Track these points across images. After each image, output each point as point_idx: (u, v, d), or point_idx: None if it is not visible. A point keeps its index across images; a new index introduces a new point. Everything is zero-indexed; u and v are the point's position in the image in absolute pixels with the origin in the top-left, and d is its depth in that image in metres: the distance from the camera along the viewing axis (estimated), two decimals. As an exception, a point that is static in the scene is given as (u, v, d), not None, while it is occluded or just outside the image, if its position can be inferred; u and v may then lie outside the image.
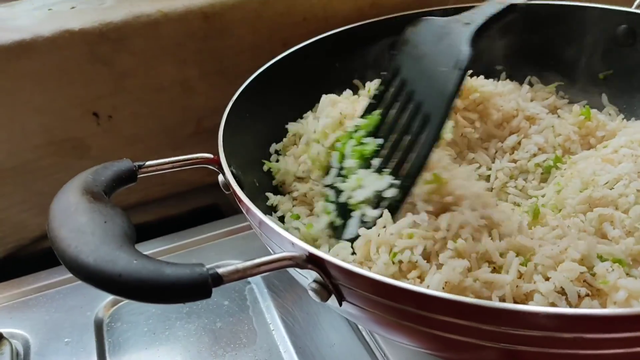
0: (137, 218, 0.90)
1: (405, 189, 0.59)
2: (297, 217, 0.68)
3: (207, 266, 0.43)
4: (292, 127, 0.78)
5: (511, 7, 0.65)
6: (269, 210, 0.70)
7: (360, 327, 0.69)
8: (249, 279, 0.78)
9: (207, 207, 0.94)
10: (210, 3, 0.84)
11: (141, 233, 0.83)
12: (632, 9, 0.83)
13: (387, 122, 0.67)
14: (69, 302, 0.77)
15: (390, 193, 0.60)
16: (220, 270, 0.43)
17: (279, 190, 0.75)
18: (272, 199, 0.71)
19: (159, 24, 0.82)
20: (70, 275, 0.77)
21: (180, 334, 0.72)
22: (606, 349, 0.45)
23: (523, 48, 0.89)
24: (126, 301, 0.77)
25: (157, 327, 0.73)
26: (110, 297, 0.77)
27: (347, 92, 0.81)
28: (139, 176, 0.57)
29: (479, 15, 0.66)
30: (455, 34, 0.64)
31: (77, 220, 0.46)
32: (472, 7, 0.74)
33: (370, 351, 0.66)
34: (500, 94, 0.77)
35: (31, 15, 0.83)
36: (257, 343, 0.70)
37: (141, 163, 0.57)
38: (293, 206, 0.71)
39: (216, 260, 0.80)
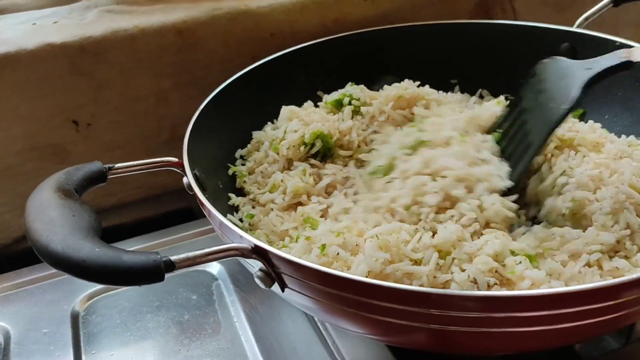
0: (114, 220, 0.97)
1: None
2: (251, 217, 0.74)
3: (162, 254, 0.49)
4: (256, 134, 0.85)
5: (628, 64, 0.68)
6: (231, 210, 0.77)
7: (315, 319, 0.75)
8: (217, 275, 0.84)
9: (180, 210, 1.00)
10: (183, 20, 0.90)
11: (118, 234, 0.90)
12: (573, 29, 0.90)
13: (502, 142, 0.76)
14: (47, 296, 0.83)
15: None
16: (172, 258, 0.49)
17: (242, 192, 0.81)
18: (234, 199, 0.77)
19: (136, 39, 0.88)
20: (49, 272, 0.85)
21: (150, 326, 0.77)
22: (517, 327, 0.51)
23: (475, 64, 0.96)
24: (101, 296, 0.82)
25: (129, 319, 0.79)
26: (86, 292, 0.82)
27: (308, 103, 0.88)
28: (109, 177, 0.63)
29: (598, 64, 0.70)
30: (574, 77, 0.70)
31: (49, 214, 0.52)
32: (449, 24, 0.82)
33: (323, 339, 0.72)
34: (447, 102, 0.84)
35: (16, 29, 0.89)
36: (221, 333, 0.76)
37: (111, 165, 0.63)
38: (252, 207, 0.77)
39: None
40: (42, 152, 0.88)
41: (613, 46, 0.83)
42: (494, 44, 0.95)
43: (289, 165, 0.81)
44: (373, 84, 0.91)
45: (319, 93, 0.93)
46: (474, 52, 0.96)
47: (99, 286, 0.83)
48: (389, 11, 1.01)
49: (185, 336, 0.75)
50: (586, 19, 0.89)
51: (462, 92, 0.95)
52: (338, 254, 0.59)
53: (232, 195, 0.78)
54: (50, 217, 0.51)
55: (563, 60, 0.74)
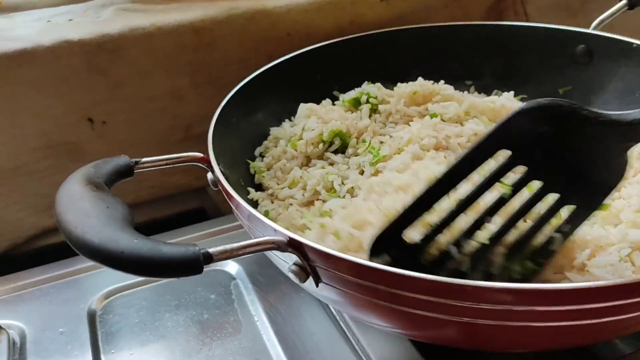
0: (128, 219, 0.96)
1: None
2: (267, 214, 0.74)
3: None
4: (273, 131, 0.85)
5: None
6: (252, 204, 0.76)
7: (337, 317, 0.75)
8: (234, 275, 0.84)
9: (194, 210, 0.99)
10: (200, 18, 0.90)
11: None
12: (590, 30, 0.91)
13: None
14: (62, 295, 0.82)
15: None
16: (210, 250, 0.48)
17: (261, 188, 0.81)
18: (253, 194, 0.77)
19: (153, 37, 0.88)
20: (64, 270, 0.84)
21: (169, 325, 0.76)
22: (552, 322, 0.51)
23: (490, 65, 0.96)
24: (118, 295, 0.81)
25: (147, 318, 0.78)
26: (102, 291, 0.81)
27: (326, 101, 0.88)
28: (135, 171, 0.63)
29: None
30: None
31: (82, 206, 0.51)
32: (464, 25, 0.83)
33: (346, 338, 0.72)
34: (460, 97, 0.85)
35: (31, 26, 0.89)
36: (242, 332, 0.75)
37: (137, 159, 0.63)
38: (271, 202, 0.77)
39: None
40: (57, 150, 0.88)
41: (630, 48, 0.84)
42: (508, 45, 0.96)
43: (307, 161, 0.81)
44: (389, 84, 0.92)
45: (335, 93, 0.93)
46: (488, 53, 0.96)
47: (116, 285, 0.82)
48: (404, 13, 1.01)
49: (206, 335, 0.74)
50: (602, 21, 0.90)
51: (477, 92, 0.96)
52: (352, 234, 0.60)
53: (251, 189, 0.78)
54: (84, 209, 0.51)
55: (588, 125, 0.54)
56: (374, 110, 0.86)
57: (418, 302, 0.51)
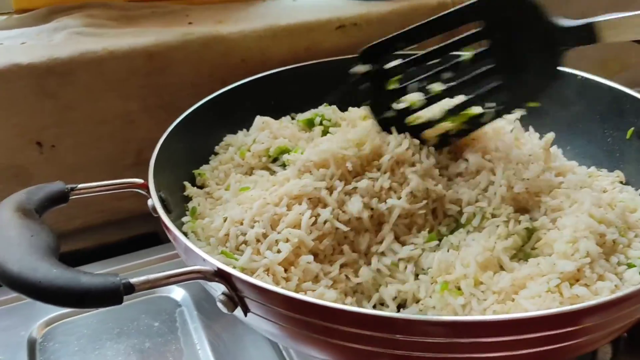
0: (76, 244, 0.95)
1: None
2: (194, 212, 0.74)
3: (121, 277, 0.48)
4: (227, 137, 0.87)
5: None
6: (186, 200, 0.77)
7: (281, 347, 0.74)
8: (180, 301, 0.83)
9: (146, 235, 0.98)
10: (154, 43, 0.90)
11: (81, 259, 0.87)
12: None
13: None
14: (3, 322, 0.80)
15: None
16: (132, 280, 0.48)
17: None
18: (190, 189, 0.77)
19: (104, 61, 0.87)
20: (4, 297, 0.82)
21: (109, 354, 0.75)
22: (481, 353, 0.51)
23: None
24: (59, 322, 0.80)
25: (88, 347, 0.76)
26: (43, 319, 0.80)
27: (286, 118, 0.90)
28: (71, 197, 0.62)
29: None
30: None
31: (7, 234, 0.51)
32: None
33: (287, 368, 0.71)
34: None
35: (-18, 49, 0.88)
36: (182, 361, 0.74)
37: (74, 185, 0.62)
38: (205, 199, 0.77)
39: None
40: (4, 174, 0.86)
41: (575, 80, 0.86)
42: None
43: (251, 171, 0.82)
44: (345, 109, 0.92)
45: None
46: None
47: (57, 312, 0.80)
48: (359, 41, 1.01)
49: (145, 364, 0.73)
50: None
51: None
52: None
53: (187, 184, 0.78)
54: (8, 237, 0.50)
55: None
56: (325, 133, 0.86)
57: (350, 335, 0.51)
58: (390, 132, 0.75)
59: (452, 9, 0.72)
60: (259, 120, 0.87)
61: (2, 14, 1.01)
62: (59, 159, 0.89)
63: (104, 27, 0.94)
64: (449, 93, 0.75)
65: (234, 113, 0.88)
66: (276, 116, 0.91)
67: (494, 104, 0.74)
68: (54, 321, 0.80)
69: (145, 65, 0.90)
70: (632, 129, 0.80)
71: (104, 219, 0.95)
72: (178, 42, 0.92)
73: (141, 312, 0.81)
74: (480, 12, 0.70)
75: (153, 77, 0.91)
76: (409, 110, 0.76)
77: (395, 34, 0.74)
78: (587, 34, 0.66)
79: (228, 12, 1.03)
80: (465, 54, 0.72)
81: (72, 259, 0.57)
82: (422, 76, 0.75)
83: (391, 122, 0.75)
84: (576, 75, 0.86)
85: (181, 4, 1.06)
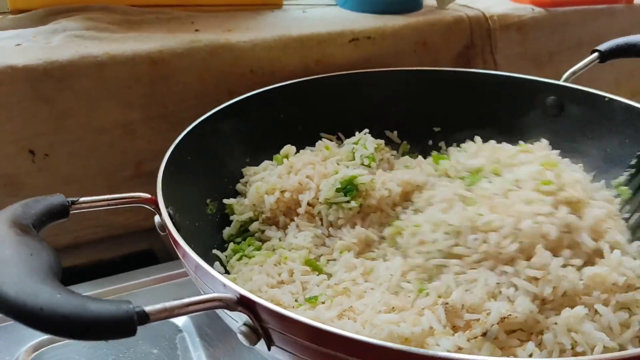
0: (67, 261, 0.88)
1: None
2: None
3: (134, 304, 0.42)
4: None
5: None
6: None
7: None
8: (181, 327, 0.76)
9: (142, 253, 0.92)
10: (158, 50, 0.85)
11: (72, 276, 0.81)
12: (561, 82, 0.89)
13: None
14: (-14, 346, 0.73)
15: None
16: (147, 308, 0.42)
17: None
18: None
19: (105, 66, 0.82)
20: (-10, 320, 0.75)
21: (103, 383, 0.69)
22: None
23: (459, 112, 0.93)
24: (48, 347, 0.73)
25: (80, 375, 0.70)
26: (31, 343, 0.73)
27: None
28: (71, 212, 0.56)
29: None
30: None
31: (3, 252, 0.44)
32: (432, 71, 0.79)
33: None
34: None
35: (-26, 50, 0.82)
36: (184, 393, 0.68)
37: (75, 199, 0.56)
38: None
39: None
40: (-8, 183, 0.80)
41: (602, 102, 0.82)
42: (478, 93, 0.93)
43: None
44: (352, 129, 0.88)
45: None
46: (457, 100, 0.93)
47: (46, 336, 0.73)
48: (372, 55, 0.98)
49: (143, 396, 0.67)
50: (573, 73, 0.88)
51: (445, 139, 0.92)
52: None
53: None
54: (4, 256, 0.44)
55: None
56: None
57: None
58: None
59: None
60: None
61: (-3, 13, 0.95)
62: (53, 168, 0.83)
63: (106, 31, 0.89)
64: None
65: (243, 125, 0.83)
66: (287, 130, 0.86)
67: None
68: (42, 346, 0.73)
69: (149, 72, 0.85)
70: None
71: (97, 235, 0.89)
72: (184, 49, 0.87)
73: (138, 338, 0.74)
74: None
75: (157, 85, 0.86)
76: None
77: None
78: None
79: (236, 21, 0.99)
80: None
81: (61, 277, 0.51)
82: None
83: None
84: (604, 97, 0.82)
85: (186, 10, 1.01)
